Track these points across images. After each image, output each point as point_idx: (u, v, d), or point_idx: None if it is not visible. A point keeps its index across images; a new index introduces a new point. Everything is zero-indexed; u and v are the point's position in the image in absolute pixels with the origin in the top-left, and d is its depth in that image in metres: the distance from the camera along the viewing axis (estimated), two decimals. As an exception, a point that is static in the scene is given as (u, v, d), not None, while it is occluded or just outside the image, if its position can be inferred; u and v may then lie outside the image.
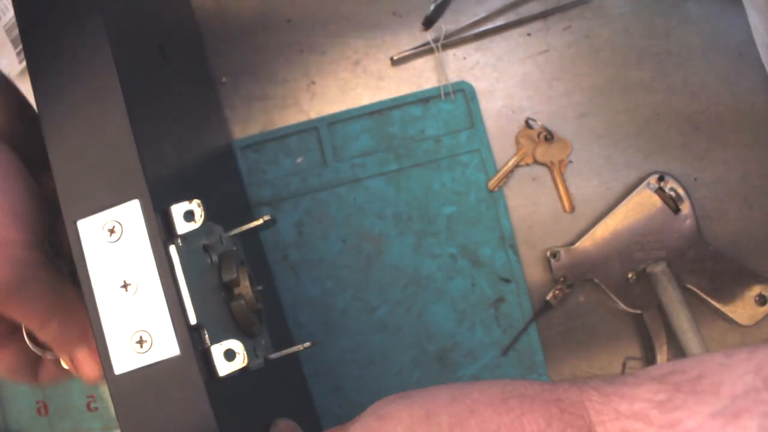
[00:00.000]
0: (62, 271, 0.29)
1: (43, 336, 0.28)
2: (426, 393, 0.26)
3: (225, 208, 0.38)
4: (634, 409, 0.24)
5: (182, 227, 0.25)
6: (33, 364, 0.31)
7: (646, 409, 0.24)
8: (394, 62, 0.45)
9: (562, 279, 0.43)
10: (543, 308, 0.44)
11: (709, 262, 0.43)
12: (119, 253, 0.25)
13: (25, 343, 0.30)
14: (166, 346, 0.24)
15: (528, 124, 0.44)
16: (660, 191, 0.43)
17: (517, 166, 0.44)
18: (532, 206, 0.44)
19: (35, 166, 0.28)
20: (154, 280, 0.24)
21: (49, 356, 0.30)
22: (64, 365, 0.30)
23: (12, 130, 0.28)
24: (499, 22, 0.45)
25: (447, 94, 0.45)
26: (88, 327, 0.28)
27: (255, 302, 0.29)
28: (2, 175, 0.26)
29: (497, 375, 0.43)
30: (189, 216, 0.25)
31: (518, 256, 0.44)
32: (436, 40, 0.44)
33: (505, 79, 0.45)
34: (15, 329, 0.30)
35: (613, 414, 0.24)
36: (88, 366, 0.29)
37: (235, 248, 0.32)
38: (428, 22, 0.45)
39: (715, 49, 0.45)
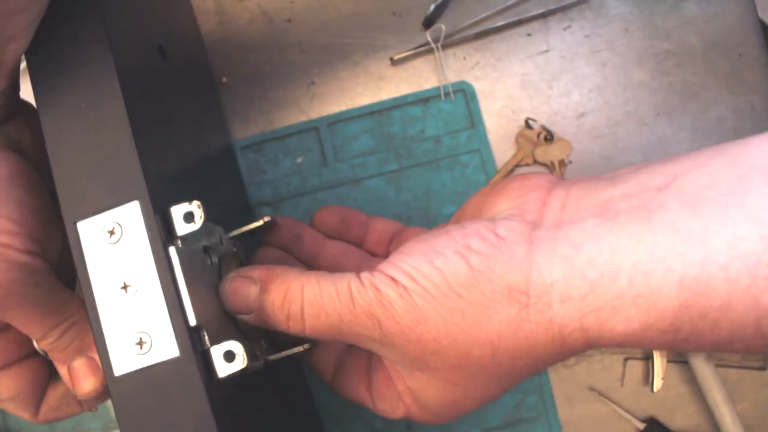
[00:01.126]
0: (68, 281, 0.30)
1: (43, 344, 0.28)
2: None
3: (225, 209, 0.38)
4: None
5: (182, 229, 0.25)
6: (38, 389, 0.31)
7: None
8: (394, 62, 0.45)
9: (561, 279, 0.43)
10: (543, 308, 0.44)
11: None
12: (119, 254, 0.25)
13: (30, 368, 0.30)
14: (165, 347, 0.24)
15: (528, 124, 0.44)
16: (660, 191, 0.43)
17: (517, 166, 0.44)
18: (532, 206, 0.44)
19: None
20: (153, 282, 0.24)
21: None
22: (62, 375, 0.30)
23: (38, 153, 0.28)
24: (499, 22, 0.45)
25: (447, 94, 0.45)
26: (88, 339, 0.28)
27: (255, 303, 0.29)
28: (13, 184, 0.27)
29: (497, 375, 0.43)
30: (189, 217, 0.25)
31: (518, 256, 0.44)
32: (436, 40, 0.44)
33: (505, 79, 0.45)
34: (24, 354, 0.30)
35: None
36: (83, 377, 0.28)
37: (235, 249, 0.32)
38: (428, 22, 0.45)
39: (715, 49, 0.45)
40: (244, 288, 0.28)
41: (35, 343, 0.30)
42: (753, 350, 0.23)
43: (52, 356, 0.29)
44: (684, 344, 0.23)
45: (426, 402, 0.29)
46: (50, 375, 0.31)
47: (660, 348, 0.24)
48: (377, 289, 0.26)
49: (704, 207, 0.22)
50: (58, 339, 0.28)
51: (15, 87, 0.28)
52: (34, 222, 0.27)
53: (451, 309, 0.25)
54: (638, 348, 0.24)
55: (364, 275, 0.27)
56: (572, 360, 0.44)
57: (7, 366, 0.30)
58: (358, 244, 0.38)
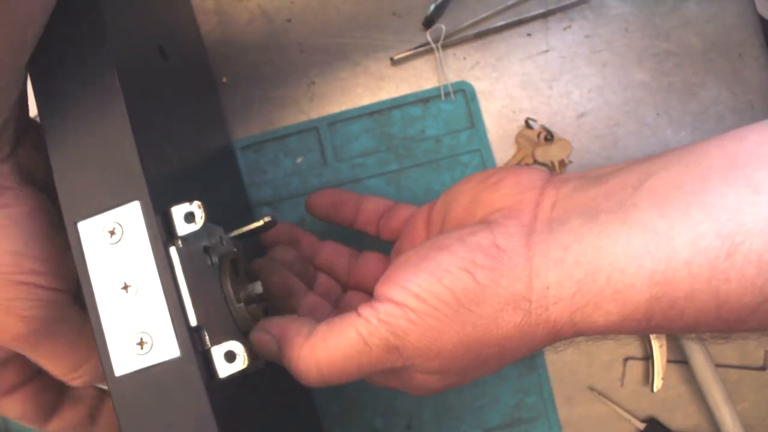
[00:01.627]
0: None
1: (75, 382, 0.28)
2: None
3: (225, 209, 0.38)
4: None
5: (182, 229, 0.25)
6: (45, 412, 0.31)
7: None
8: (394, 62, 0.45)
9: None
10: (543, 308, 0.44)
11: (709, 262, 0.43)
12: (120, 254, 0.25)
13: (38, 391, 0.30)
14: (166, 347, 0.24)
15: (528, 124, 0.44)
16: (660, 191, 0.43)
17: (517, 166, 0.44)
18: (532, 206, 0.44)
19: None
20: (154, 282, 0.24)
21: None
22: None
23: (49, 179, 0.28)
24: (499, 22, 0.45)
25: (447, 94, 0.45)
26: None
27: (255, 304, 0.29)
28: (35, 220, 0.26)
29: (497, 374, 0.43)
30: (189, 217, 0.25)
31: (518, 256, 0.44)
32: (436, 40, 0.44)
33: (505, 79, 0.45)
34: (28, 377, 0.30)
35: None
36: None
37: (235, 250, 0.32)
38: (428, 22, 0.45)
39: (715, 49, 0.45)
40: (266, 343, 0.29)
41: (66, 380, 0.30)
42: (717, 331, 0.25)
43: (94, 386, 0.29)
44: (657, 329, 0.26)
45: (428, 388, 0.30)
46: (66, 393, 0.31)
47: (636, 333, 0.27)
48: (387, 323, 0.27)
49: (669, 206, 0.24)
50: (90, 375, 0.28)
51: (24, 99, 0.28)
52: (58, 256, 0.27)
53: (463, 323, 0.27)
54: (618, 334, 0.27)
55: (367, 312, 0.28)
56: (561, 345, 0.44)
57: (9, 392, 0.29)
58: (350, 224, 0.40)
